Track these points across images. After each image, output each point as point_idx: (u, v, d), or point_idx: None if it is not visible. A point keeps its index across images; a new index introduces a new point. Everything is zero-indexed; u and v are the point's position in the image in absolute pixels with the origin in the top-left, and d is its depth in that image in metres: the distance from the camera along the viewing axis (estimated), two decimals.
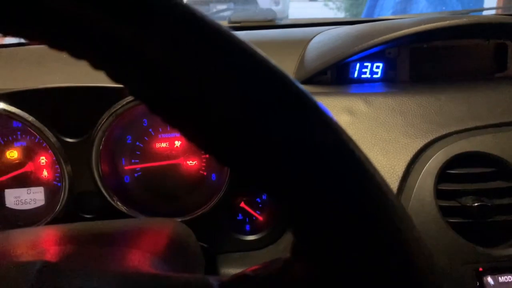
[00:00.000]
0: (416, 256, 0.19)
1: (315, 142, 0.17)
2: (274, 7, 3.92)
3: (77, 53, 0.18)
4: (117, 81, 0.18)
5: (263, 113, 0.17)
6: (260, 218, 0.63)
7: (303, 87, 0.18)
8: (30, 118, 0.54)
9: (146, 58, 0.17)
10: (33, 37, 0.18)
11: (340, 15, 4.74)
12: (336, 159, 0.18)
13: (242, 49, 0.17)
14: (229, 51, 0.17)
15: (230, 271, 0.58)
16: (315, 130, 0.17)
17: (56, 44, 0.18)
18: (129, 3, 0.16)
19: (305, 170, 0.17)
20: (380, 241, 0.18)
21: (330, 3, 5.02)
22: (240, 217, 0.63)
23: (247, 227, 0.63)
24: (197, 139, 0.18)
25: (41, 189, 0.61)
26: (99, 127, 0.54)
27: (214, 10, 2.21)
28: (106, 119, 0.54)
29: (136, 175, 0.62)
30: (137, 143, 0.61)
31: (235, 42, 0.17)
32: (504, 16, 0.76)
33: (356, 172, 0.18)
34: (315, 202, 0.18)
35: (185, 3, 0.17)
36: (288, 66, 0.69)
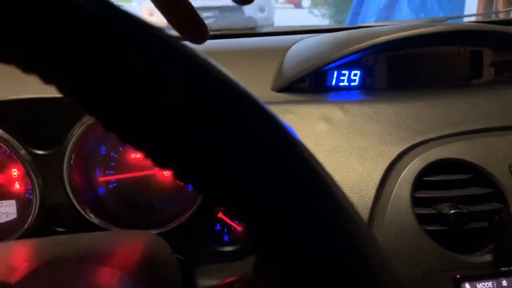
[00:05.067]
0: (381, 275, 0.18)
1: (280, 166, 0.17)
2: (259, 15, 3.95)
3: (25, 67, 0.17)
4: (67, 96, 0.17)
5: (218, 132, 0.16)
6: (239, 228, 0.62)
7: (261, 100, 0.18)
8: None
9: (97, 77, 0.16)
10: None
11: (325, 22, 4.79)
12: (300, 182, 0.17)
13: (199, 64, 0.16)
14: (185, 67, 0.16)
15: (208, 283, 0.57)
16: (282, 152, 0.17)
17: (2, 56, 0.17)
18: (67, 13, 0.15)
19: (269, 193, 0.17)
20: (344, 263, 0.18)
21: (315, 10, 5.08)
22: (218, 227, 0.62)
23: (225, 238, 0.62)
24: (154, 157, 0.18)
25: (12, 202, 0.60)
26: (70, 138, 0.53)
27: None
28: (77, 130, 0.53)
29: (110, 186, 0.60)
30: (112, 153, 0.60)
31: (192, 57, 0.16)
32: (477, 24, 0.77)
33: (321, 196, 0.18)
34: (276, 224, 0.17)
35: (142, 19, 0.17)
36: (266, 74, 0.68)
